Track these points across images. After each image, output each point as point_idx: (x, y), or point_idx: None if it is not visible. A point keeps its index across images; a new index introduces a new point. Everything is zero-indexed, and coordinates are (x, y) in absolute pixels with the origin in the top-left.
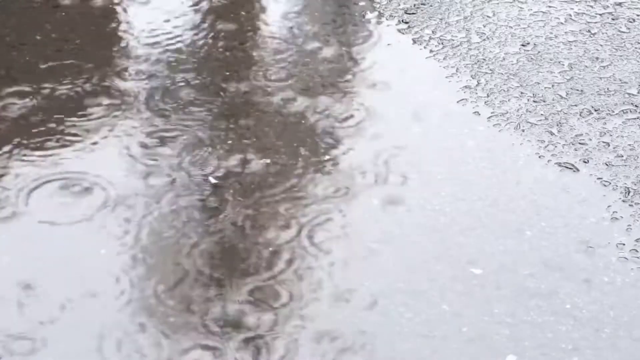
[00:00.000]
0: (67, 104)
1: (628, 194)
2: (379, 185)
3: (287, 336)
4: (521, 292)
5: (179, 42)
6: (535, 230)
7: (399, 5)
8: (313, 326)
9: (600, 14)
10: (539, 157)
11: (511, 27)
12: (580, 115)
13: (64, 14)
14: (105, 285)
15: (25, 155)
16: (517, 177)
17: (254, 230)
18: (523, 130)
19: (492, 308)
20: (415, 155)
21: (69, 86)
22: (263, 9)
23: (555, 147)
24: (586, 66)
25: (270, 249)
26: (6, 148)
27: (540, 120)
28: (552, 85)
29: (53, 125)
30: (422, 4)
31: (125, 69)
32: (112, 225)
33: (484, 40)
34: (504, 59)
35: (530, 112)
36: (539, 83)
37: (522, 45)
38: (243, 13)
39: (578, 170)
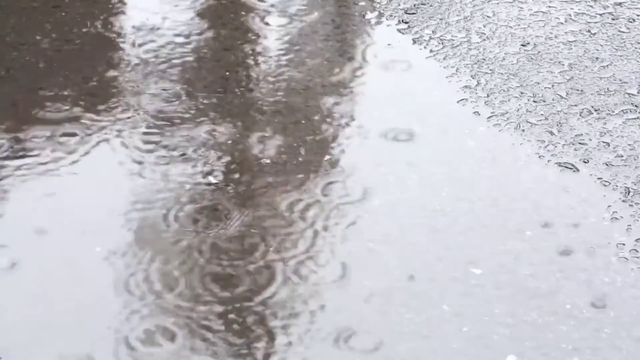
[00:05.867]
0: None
1: (628, 194)
2: (378, 185)
3: (285, 337)
4: (521, 292)
5: (179, 41)
6: (535, 230)
7: (399, 5)
8: (314, 327)
9: (600, 14)
10: (539, 157)
11: (511, 27)
12: (580, 115)
13: (64, 14)
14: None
15: None
16: (517, 177)
17: (252, 231)
18: (523, 130)
19: (492, 308)
20: (416, 155)
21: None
22: (263, 9)
23: (555, 147)
24: (586, 66)
25: (270, 249)
26: None
27: (540, 120)
28: (552, 85)
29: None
30: (422, 4)
31: (125, 69)
32: (109, 220)
33: (484, 40)
34: (504, 59)
35: (530, 112)
36: (539, 83)
37: (522, 45)
38: (243, 13)
39: (578, 170)
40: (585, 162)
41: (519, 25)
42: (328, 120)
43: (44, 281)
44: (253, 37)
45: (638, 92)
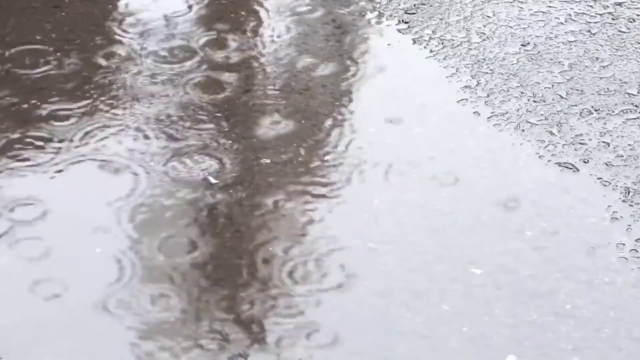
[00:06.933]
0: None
1: (628, 194)
2: (378, 185)
3: (287, 338)
4: (521, 292)
5: (179, 41)
6: (535, 231)
7: (399, 5)
8: (314, 327)
9: (600, 14)
10: (539, 157)
11: (511, 27)
12: (580, 115)
13: (64, 14)
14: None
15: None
16: (517, 177)
17: (252, 231)
18: (523, 130)
19: (492, 308)
20: (416, 155)
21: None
22: (262, 10)
23: (555, 147)
24: (586, 66)
25: (270, 248)
26: None
27: (540, 120)
28: (552, 85)
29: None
30: (422, 4)
31: (125, 69)
32: (109, 221)
33: (484, 40)
34: (504, 59)
35: (530, 112)
36: (539, 83)
37: (522, 45)
38: (243, 13)
39: (578, 170)
40: (585, 162)
41: (519, 25)
42: (327, 120)
43: (44, 281)
44: (253, 38)
45: (638, 92)
